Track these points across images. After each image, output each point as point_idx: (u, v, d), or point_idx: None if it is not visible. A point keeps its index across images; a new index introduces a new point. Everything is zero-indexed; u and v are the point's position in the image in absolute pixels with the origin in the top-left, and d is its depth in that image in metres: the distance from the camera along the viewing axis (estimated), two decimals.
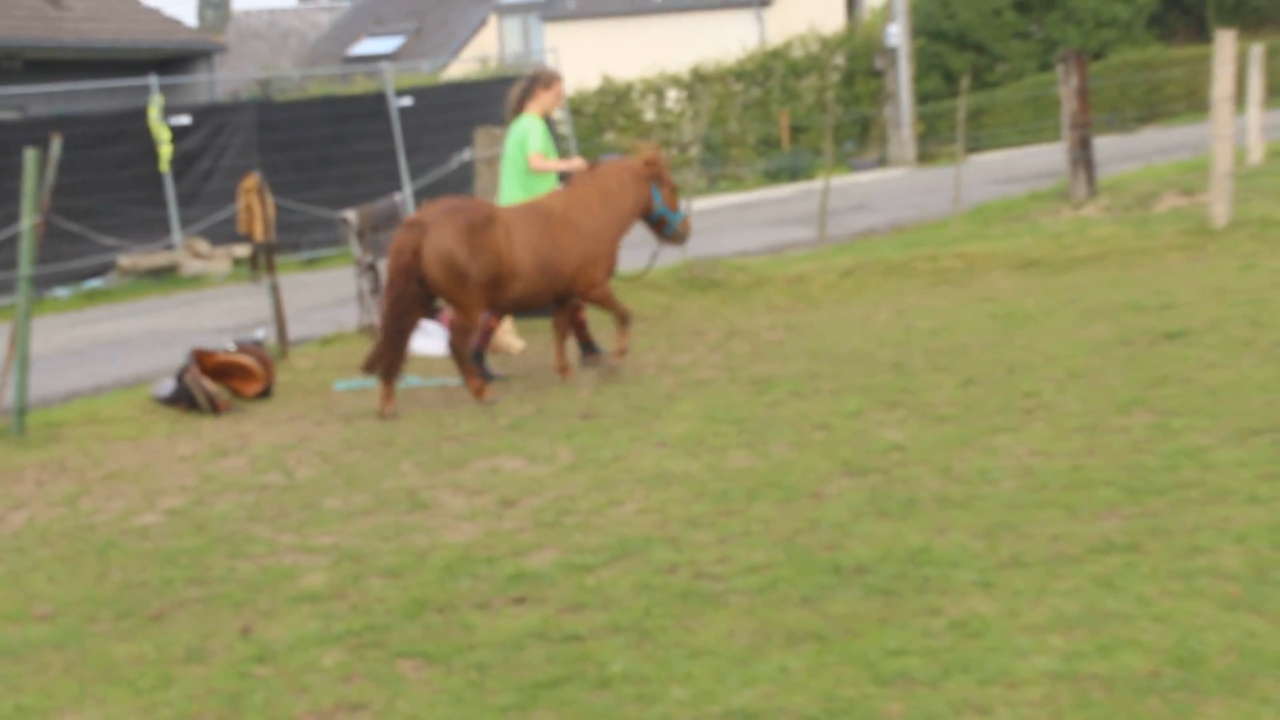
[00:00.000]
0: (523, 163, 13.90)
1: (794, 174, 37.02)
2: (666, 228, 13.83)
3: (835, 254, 19.51)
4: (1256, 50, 25.92)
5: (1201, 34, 42.92)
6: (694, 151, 29.92)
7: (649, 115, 41.82)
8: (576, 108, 40.33)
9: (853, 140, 41.83)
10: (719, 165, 38.55)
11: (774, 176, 37.58)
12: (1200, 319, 12.82)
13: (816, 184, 25.45)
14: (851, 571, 7.29)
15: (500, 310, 13.49)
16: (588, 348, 14.05)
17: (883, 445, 9.68)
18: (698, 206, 21.84)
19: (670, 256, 18.33)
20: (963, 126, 24.48)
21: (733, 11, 45.65)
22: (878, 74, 41.74)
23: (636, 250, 14.94)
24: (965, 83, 24.76)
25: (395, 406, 12.48)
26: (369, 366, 12.67)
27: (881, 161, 39.18)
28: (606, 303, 13.43)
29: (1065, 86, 21.99)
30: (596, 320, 14.19)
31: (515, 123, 14.04)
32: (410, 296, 12.56)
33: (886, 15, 40.30)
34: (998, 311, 14.12)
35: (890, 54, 39.55)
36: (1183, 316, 13.01)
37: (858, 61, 42.86)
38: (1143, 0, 46.01)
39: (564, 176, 13.88)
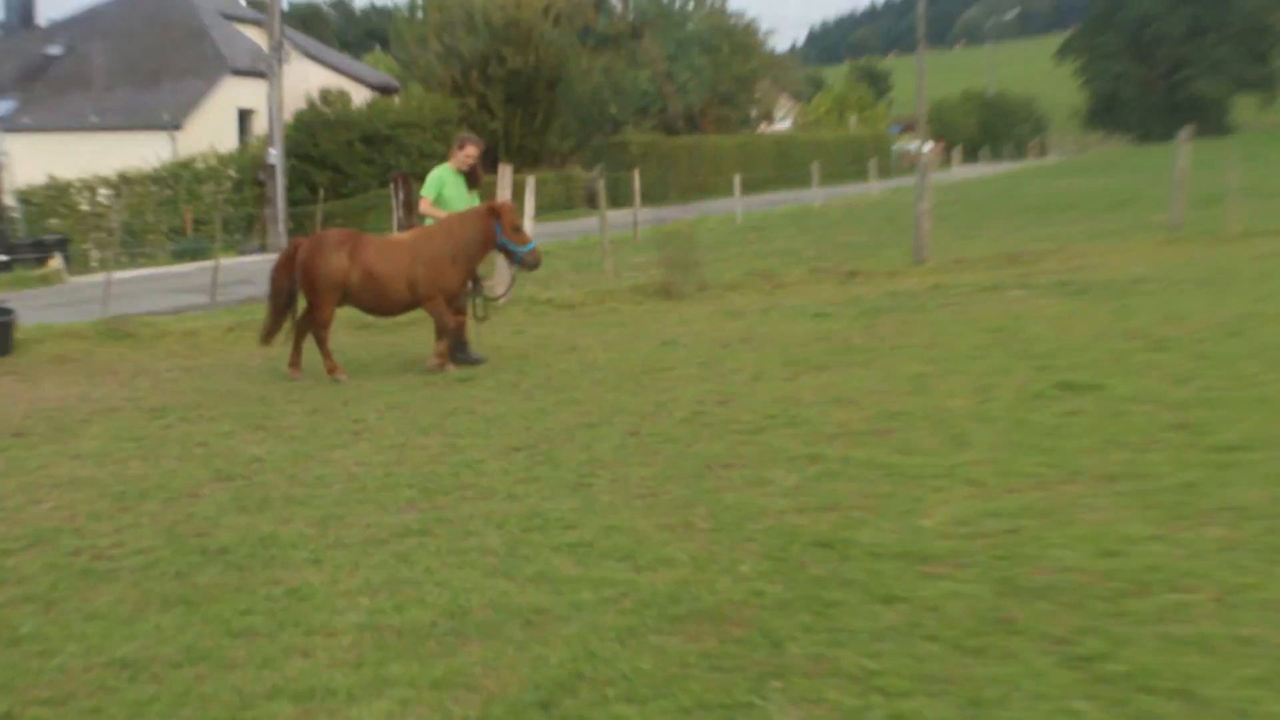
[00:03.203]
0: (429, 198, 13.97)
1: (195, 255, 35.88)
2: (514, 258, 13.27)
3: (222, 315, 19.02)
4: (530, 180, 26.74)
5: (493, 167, 44.00)
6: (117, 235, 28.69)
7: (85, 207, 39.78)
8: (26, 198, 38.07)
9: (241, 231, 40.91)
10: (138, 246, 37.03)
11: (180, 256, 36.37)
12: (481, 370, 13.05)
13: (211, 263, 24.76)
14: (215, 552, 7.02)
15: (365, 310, 13.46)
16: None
17: (247, 458, 9.41)
18: (119, 277, 20.96)
19: (94, 313, 17.49)
20: (320, 223, 24.33)
21: (152, 132, 44.12)
22: (261, 183, 40.91)
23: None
24: (321, 193, 24.61)
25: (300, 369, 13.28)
26: (265, 338, 13.56)
27: (262, 248, 38.39)
28: (437, 313, 13.06)
29: (395, 199, 22.17)
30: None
31: None
32: (283, 287, 13.23)
33: (267, 141, 39.56)
34: (339, 361, 13.95)
35: (270, 169, 38.80)
36: (469, 368, 13.21)
37: (246, 173, 42.02)
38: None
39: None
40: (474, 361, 13.53)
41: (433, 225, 13.40)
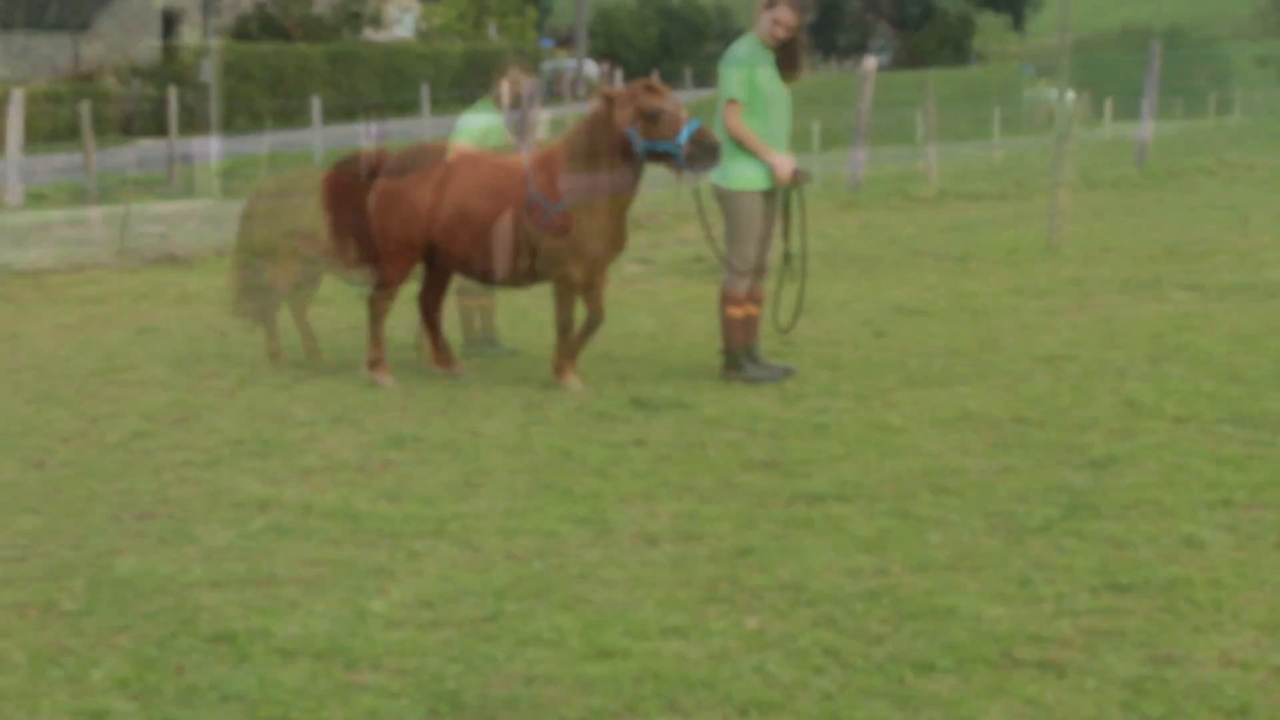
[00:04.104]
0: None
1: (101, 197, 36.01)
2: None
3: (133, 276, 19.12)
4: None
5: None
6: None
7: None
8: None
9: (162, 168, 41.13)
10: (25, 181, 37.26)
11: (79, 198, 36.52)
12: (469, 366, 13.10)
13: (118, 209, 24.87)
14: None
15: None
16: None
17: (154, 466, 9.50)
18: None
19: None
20: (267, 164, 24.44)
21: (48, 34, 44.34)
22: (190, 108, 41.17)
23: None
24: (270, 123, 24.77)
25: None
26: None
27: (188, 192, 38.60)
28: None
29: (366, 138, 22.27)
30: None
31: None
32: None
33: (200, 51, 39.85)
34: (225, 351, 13.85)
35: (203, 89, 39.06)
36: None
37: (172, 91, 42.28)
38: None
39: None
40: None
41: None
